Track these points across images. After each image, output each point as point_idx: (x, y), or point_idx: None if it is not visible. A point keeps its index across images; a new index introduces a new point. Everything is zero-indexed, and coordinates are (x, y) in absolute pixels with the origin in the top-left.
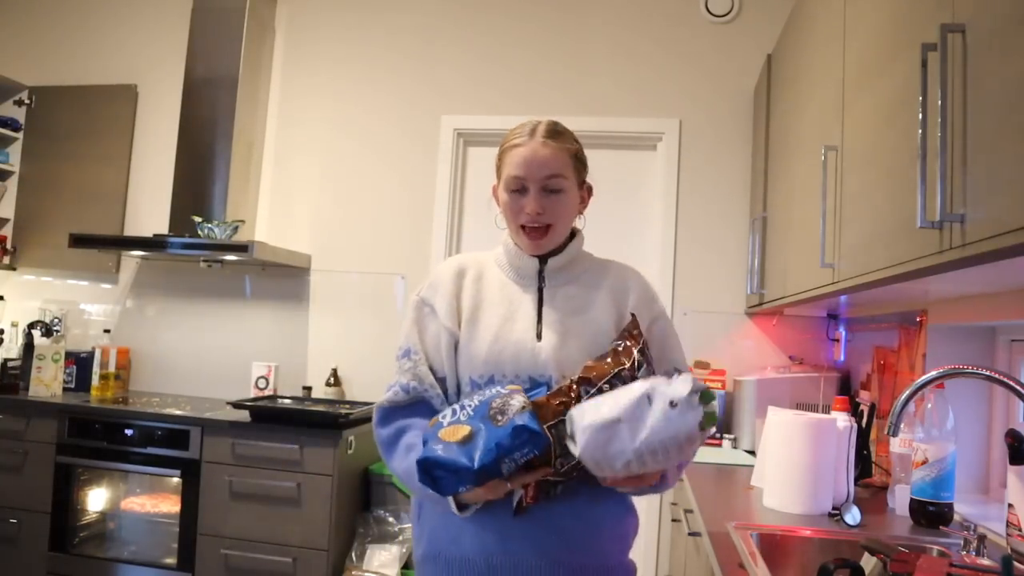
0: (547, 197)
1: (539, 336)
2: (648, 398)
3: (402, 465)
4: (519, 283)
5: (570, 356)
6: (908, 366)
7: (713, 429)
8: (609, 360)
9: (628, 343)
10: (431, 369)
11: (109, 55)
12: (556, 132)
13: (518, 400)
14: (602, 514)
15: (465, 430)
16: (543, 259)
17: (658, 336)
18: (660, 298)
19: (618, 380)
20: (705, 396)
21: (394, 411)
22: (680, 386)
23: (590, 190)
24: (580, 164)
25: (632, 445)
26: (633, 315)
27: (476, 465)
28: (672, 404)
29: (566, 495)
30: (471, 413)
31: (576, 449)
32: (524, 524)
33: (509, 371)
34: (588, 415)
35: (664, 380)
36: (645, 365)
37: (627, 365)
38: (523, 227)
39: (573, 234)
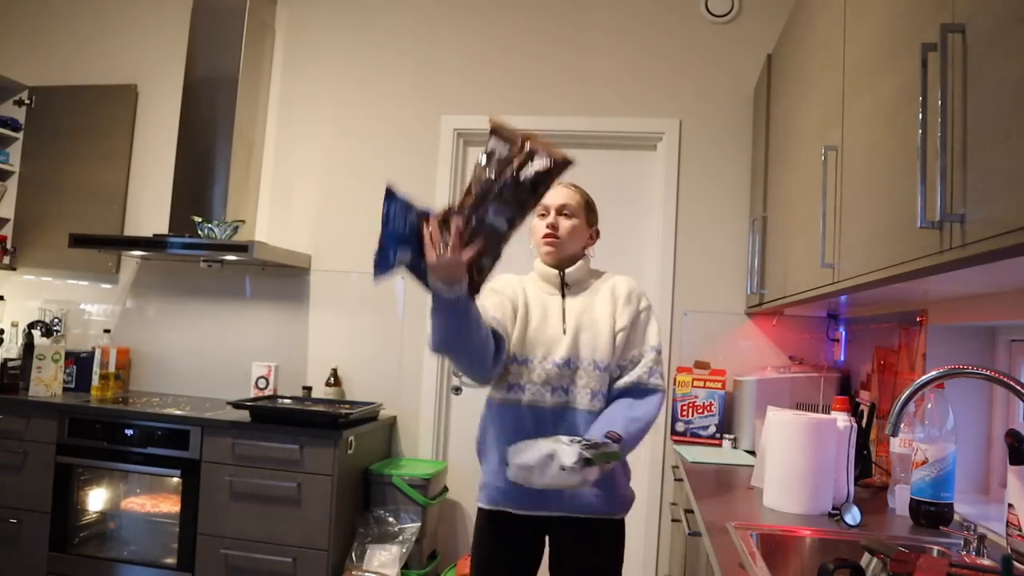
0: (560, 217)
1: (563, 328)
2: (551, 457)
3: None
4: (548, 290)
5: (584, 342)
6: (908, 366)
7: (611, 464)
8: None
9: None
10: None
11: (109, 55)
12: (574, 185)
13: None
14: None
15: None
16: (561, 271)
17: (641, 323)
18: (647, 298)
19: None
20: (592, 460)
21: None
22: (570, 456)
23: (598, 233)
24: (590, 210)
25: (542, 481)
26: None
27: (381, 233)
28: (562, 468)
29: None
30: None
31: (509, 473)
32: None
33: (540, 352)
34: (518, 456)
35: (566, 443)
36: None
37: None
38: (543, 238)
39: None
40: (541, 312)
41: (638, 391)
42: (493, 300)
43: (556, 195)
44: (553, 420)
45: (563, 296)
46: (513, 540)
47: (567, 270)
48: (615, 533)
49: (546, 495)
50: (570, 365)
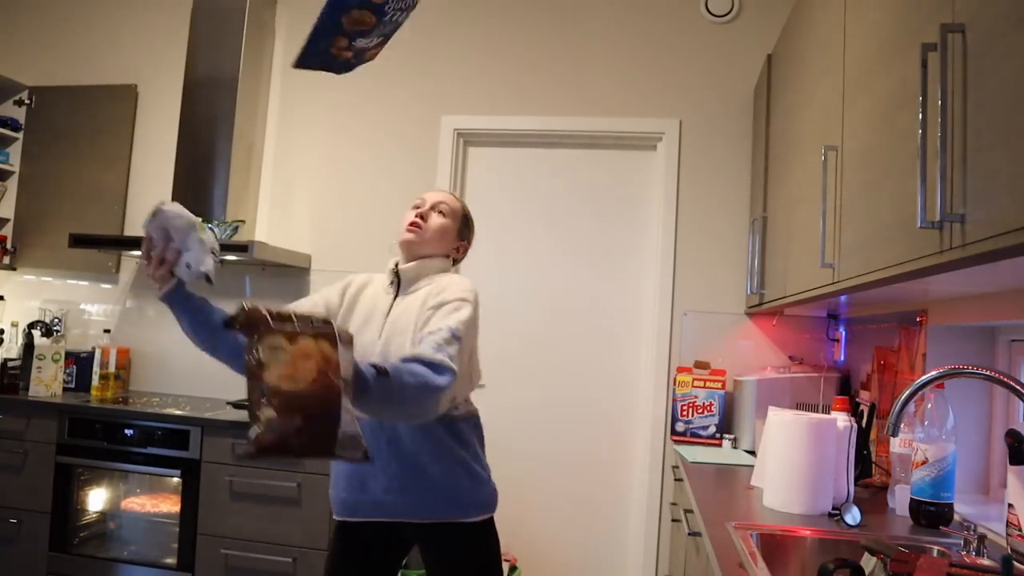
0: (432, 213)
1: (379, 335)
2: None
3: None
4: (382, 292)
5: (395, 347)
6: (908, 366)
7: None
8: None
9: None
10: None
11: (109, 55)
12: (457, 196)
13: None
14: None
15: None
16: (397, 269)
17: (448, 309)
18: (471, 294)
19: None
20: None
21: None
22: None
23: (465, 249)
24: (466, 224)
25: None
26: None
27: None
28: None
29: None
30: None
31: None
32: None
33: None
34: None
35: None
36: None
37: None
38: (408, 225)
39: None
40: (364, 316)
41: (421, 362)
42: (311, 298)
43: (436, 194)
44: (371, 436)
45: (396, 296)
46: (364, 549)
47: (401, 266)
48: (470, 536)
49: (382, 504)
50: None
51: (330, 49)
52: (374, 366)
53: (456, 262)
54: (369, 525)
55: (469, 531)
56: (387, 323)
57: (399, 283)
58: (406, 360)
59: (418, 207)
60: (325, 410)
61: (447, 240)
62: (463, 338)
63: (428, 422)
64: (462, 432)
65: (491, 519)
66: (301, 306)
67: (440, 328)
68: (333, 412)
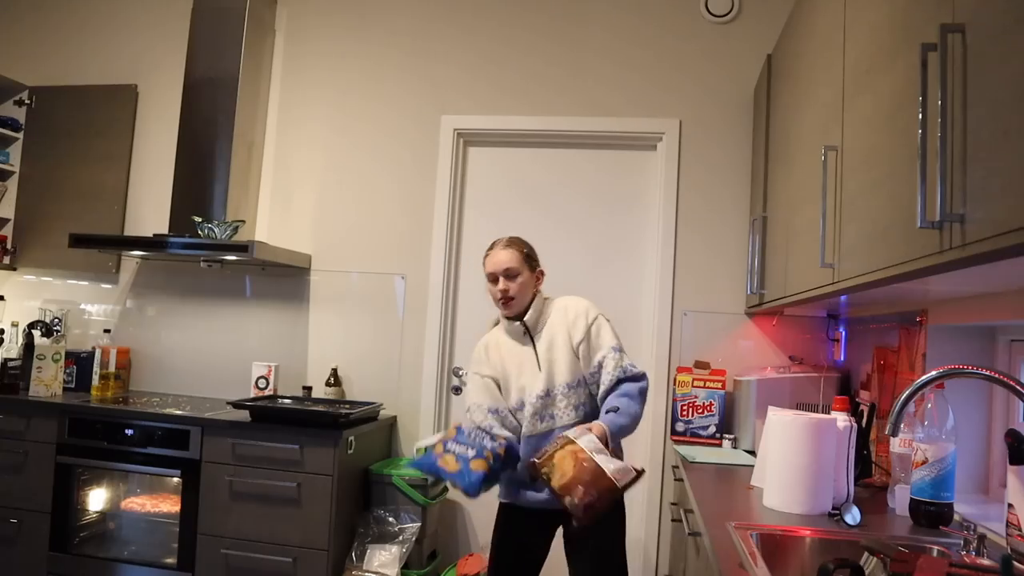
0: (508, 280)
1: (539, 367)
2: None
3: None
4: (519, 341)
5: (556, 373)
6: (908, 366)
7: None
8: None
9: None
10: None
11: (109, 55)
12: (511, 241)
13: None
14: None
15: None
16: (523, 322)
17: (594, 332)
18: (595, 309)
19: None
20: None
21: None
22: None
23: (543, 273)
24: (530, 259)
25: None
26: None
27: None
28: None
29: None
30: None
31: None
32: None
33: (527, 393)
34: None
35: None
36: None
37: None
38: (499, 301)
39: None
40: (518, 364)
41: (621, 381)
42: (482, 391)
43: (499, 260)
44: (544, 443)
45: (533, 343)
46: (526, 529)
47: (526, 320)
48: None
49: (537, 499)
50: (549, 395)
51: None
52: (607, 410)
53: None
54: (535, 509)
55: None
56: (540, 359)
57: (528, 331)
58: (609, 391)
59: (495, 281)
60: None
61: (530, 287)
62: (619, 340)
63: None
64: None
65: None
66: (475, 395)
67: (608, 352)
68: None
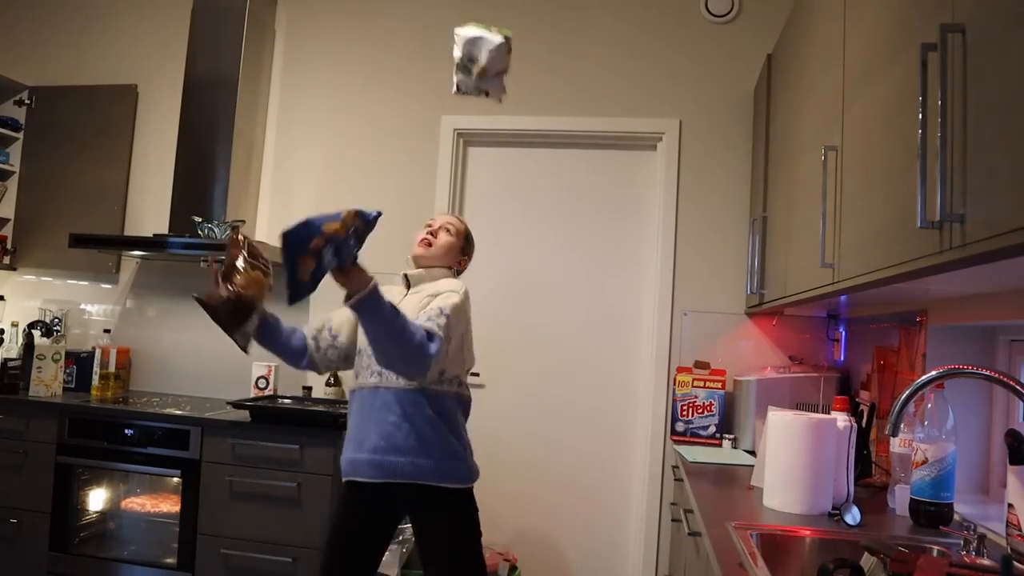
0: (441, 231)
1: None
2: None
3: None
4: (398, 291)
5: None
6: (908, 366)
7: None
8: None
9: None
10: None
11: (109, 55)
12: (460, 218)
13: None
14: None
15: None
16: (406, 275)
17: (439, 299)
18: (461, 293)
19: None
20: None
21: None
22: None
23: (467, 262)
24: (468, 242)
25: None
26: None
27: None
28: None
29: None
30: None
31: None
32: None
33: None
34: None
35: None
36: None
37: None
38: (419, 241)
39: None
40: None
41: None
42: (340, 314)
43: (446, 217)
44: (370, 400)
45: (406, 294)
46: (364, 509)
47: (411, 274)
48: (448, 502)
49: (375, 463)
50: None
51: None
52: (395, 307)
53: (459, 273)
54: (368, 487)
55: (447, 498)
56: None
57: (408, 286)
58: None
59: (429, 226)
60: (246, 306)
61: (451, 255)
62: (450, 315)
63: (417, 381)
64: (446, 407)
65: (469, 491)
66: (329, 318)
67: (432, 308)
68: (249, 310)
